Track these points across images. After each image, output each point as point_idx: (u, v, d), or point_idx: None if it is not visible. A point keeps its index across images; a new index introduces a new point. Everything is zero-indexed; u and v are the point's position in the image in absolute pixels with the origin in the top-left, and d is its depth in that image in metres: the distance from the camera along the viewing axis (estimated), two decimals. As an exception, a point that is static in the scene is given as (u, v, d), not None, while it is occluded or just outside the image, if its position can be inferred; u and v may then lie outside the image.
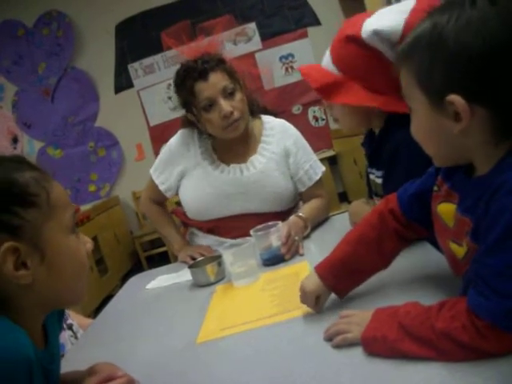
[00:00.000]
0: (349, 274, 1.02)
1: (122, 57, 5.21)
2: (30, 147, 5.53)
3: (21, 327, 0.74)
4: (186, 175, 1.84)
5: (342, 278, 1.02)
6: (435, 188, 0.90)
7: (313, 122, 5.11)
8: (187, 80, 1.69)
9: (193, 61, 1.70)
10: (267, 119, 1.88)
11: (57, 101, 5.37)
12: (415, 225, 0.99)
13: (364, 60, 1.21)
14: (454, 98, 0.70)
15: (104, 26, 5.16)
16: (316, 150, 1.95)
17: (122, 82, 5.25)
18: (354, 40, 1.20)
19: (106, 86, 5.31)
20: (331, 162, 4.68)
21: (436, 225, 0.90)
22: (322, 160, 2.10)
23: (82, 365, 0.99)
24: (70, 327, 1.58)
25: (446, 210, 0.85)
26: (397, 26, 1.13)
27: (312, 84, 1.31)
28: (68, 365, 1.14)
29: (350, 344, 0.85)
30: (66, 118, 5.38)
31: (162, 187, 1.87)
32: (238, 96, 1.71)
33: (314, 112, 5.10)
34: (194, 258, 1.67)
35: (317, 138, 4.68)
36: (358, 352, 0.82)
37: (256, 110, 1.89)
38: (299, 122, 1.94)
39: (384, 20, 1.16)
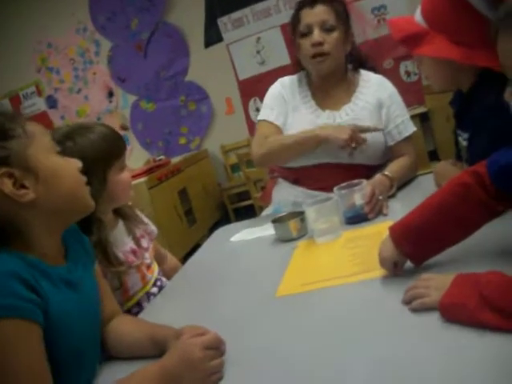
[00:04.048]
0: (425, 243, 0.98)
1: (212, 11, 5.21)
2: (124, 101, 5.75)
3: (33, 246, 0.91)
4: (285, 118, 1.87)
5: (417, 246, 0.98)
6: None
7: (404, 77, 4.89)
8: (299, 6, 1.80)
9: None
10: (366, 72, 1.89)
11: (149, 56, 5.50)
12: (507, 196, 0.92)
13: (451, 11, 1.14)
14: None
15: (194, -20, 5.16)
16: (407, 105, 1.90)
17: (212, 36, 5.27)
18: None
19: (196, 41, 5.36)
20: (423, 118, 4.50)
21: None
22: (413, 117, 2.04)
23: (167, 313, 1.04)
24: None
25: None
26: None
27: (395, 34, 1.28)
28: (154, 311, 1.21)
29: (427, 308, 0.84)
30: (158, 72, 5.52)
31: (278, 122, 1.86)
32: (336, 35, 1.74)
33: (406, 67, 4.86)
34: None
35: (408, 93, 4.47)
36: (434, 317, 0.81)
37: (358, 60, 1.90)
38: (390, 76, 1.87)
39: None
